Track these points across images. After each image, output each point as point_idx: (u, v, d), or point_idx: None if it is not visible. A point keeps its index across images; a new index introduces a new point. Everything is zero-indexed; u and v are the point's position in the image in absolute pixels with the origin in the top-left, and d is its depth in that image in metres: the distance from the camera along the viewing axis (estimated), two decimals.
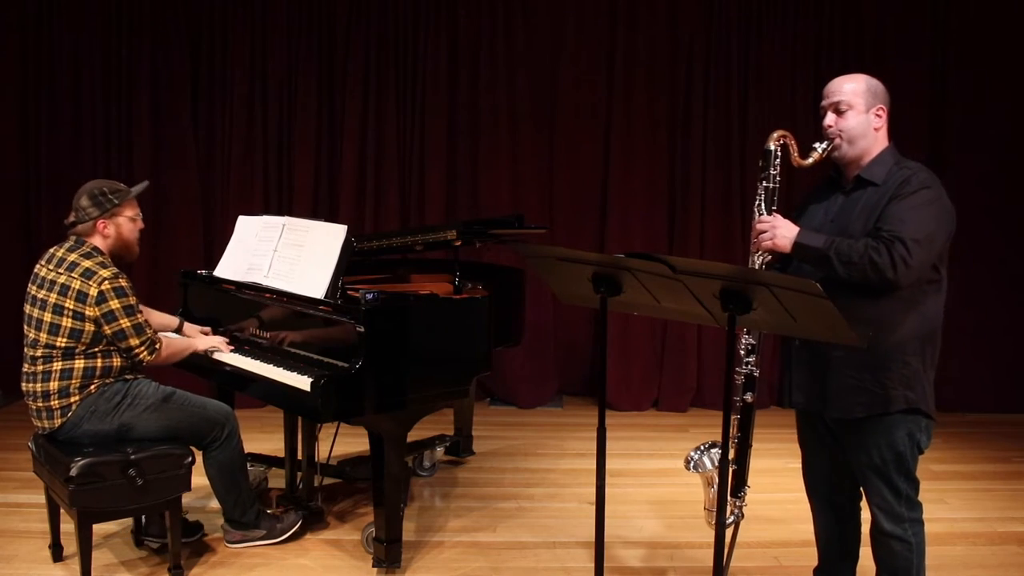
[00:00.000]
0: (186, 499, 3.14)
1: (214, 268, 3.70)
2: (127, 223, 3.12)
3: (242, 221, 3.71)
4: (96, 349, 2.98)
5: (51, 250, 3.09)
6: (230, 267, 3.62)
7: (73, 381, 2.96)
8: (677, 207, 5.63)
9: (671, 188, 5.63)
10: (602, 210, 5.66)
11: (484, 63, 5.54)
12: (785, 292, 1.98)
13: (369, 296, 2.96)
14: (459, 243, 3.87)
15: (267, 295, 3.38)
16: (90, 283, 2.92)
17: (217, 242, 5.36)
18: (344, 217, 5.40)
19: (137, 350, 3.01)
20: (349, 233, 3.17)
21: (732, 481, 2.59)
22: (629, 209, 5.59)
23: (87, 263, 2.96)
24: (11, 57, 5.49)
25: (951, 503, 3.99)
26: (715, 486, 2.59)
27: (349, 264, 3.22)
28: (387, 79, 5.51)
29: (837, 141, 2.43)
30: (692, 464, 2.60)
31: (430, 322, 3.16)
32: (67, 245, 3.06)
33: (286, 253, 3.36)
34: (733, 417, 2.57)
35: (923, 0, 5.51)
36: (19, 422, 4.95)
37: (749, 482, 2.64)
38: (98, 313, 2.93)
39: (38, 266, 3.08)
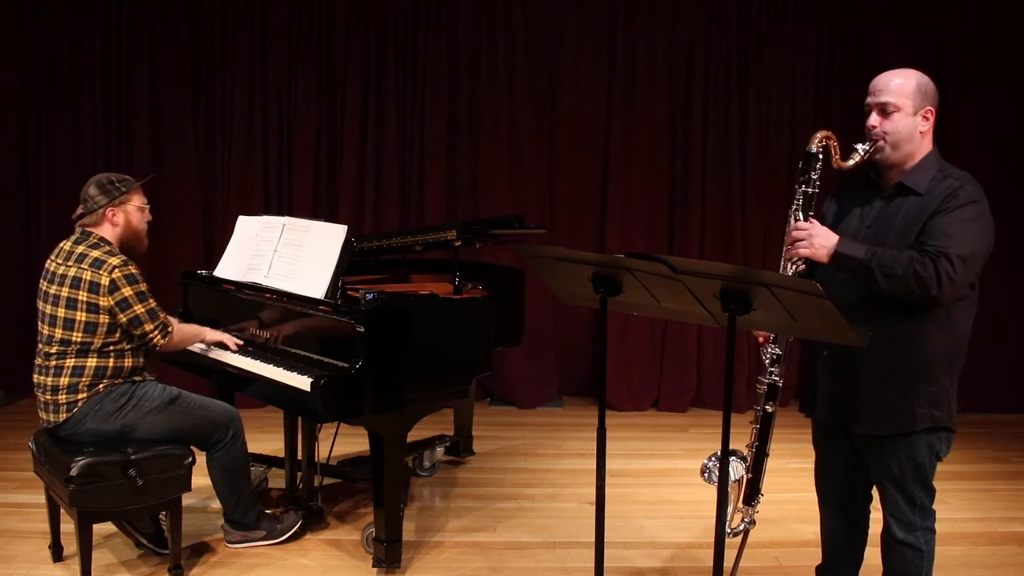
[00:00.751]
0: (186, 499, 3.14)
1: (214, 268, 3.70)
2: (136, 212, 3.13)
3: (242, 221, 3.71)
4: (110, 348, 3.00)
5: (60, 244, 3.10)
6: (230, 267, 3.62)
7: (83, 379, 2.97)
8: (677, 207, 5.62)
9: (671, 188, 5.62)
10: (602, 210, 5.66)
11: (484, 63, 5.53)
12: (785, 292, 1.98)
13: (369, 296, 2.96)
14: (459, 243, 3.86)
15: (267, 295, 3.38)
16: (101, 272, 2.94)
17: (217, 242, 5.36)
18: (344, 217, 5.40)
19: (152, 335, 3.02)
20: (349, 233, 3.17)
21: (746, 489, 2.59)
22: (629, 209, 5.59)
23: (95, 253, 2.98)
24: (11, 57, 5.49)
25: (951, 503, 3.99)
26: (731, 498, 2.52)
27: (349, 264, 3.22)
28: (387, 79, 5.51)
29: (880, 144, 2.31)
30: (707, 474, 2.52)
31: (430, 322, 3.16)
32: (74, 237, 3.07)
33: (286, 253, 3.36)
34: (753, 426, 2.56)
35: (923, 0, 5.52)
36: (19, 422, 4.96)
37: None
38: (112, 302, 2.94)
39: (48, 261, 3.09)
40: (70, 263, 2.99)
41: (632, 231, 5.58)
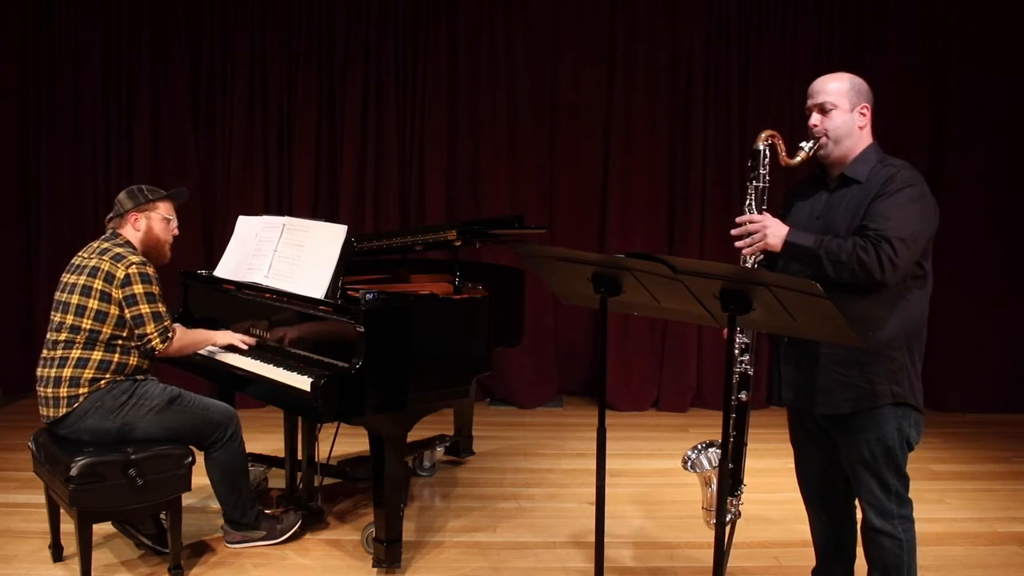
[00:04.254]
0: (186, 499, 3.15)
1: (214, 268, 3.70)
2: (159, 221, 3.24)
3: (242, 221, 3.71)
4: (117, 342, 3.04)
5: (90, 243, 3.20)
6: (230, 267, 3.62)
7: (86, 372, 2.99)
8: (677, 207, 5.62)
9: (671, 188, 5.63)
10: (602, 210, 5.66)
11: (484, 63, 5.54)
12: (785, 292, 1.98)
13: (369, 296, 2.96)
14: (459, 243, 3.87)
15: (267, 295, 3.38)
16: (119, 265, 3.03)
17: (217, 242, 5.36)
18: (344, 217, 5.40)
19: (151, 336, 3.05)
20: (349, 233, 3.18)
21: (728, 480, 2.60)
22: (629, 209, 5.59)
23: (118, 249, 3.09)
24: (11, 57, 5.49)
25: (951, 503, 3.99)
26: (712, 485, 2.60)
27: (349, 264, 3.22)
28: (387, 79, 5.51)
29: (823, 140, 2.45)
30: (689, 464, 2.61)
31: (430, 322, 3.16)
32: (104, 236, 3.19)
33: (286, 253, 3.36)
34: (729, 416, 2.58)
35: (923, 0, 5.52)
36: (19, 422, 4.96)
37: (747, 481, 2.65)
38: (121, 296, 3.01)
39: (75, 258, 3.18)
40: (93, 255, 3.09)
41: (632, 231, 5.58)
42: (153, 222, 3.23)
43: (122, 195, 3.22)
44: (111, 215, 3.22)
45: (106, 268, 3.03)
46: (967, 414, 5.52)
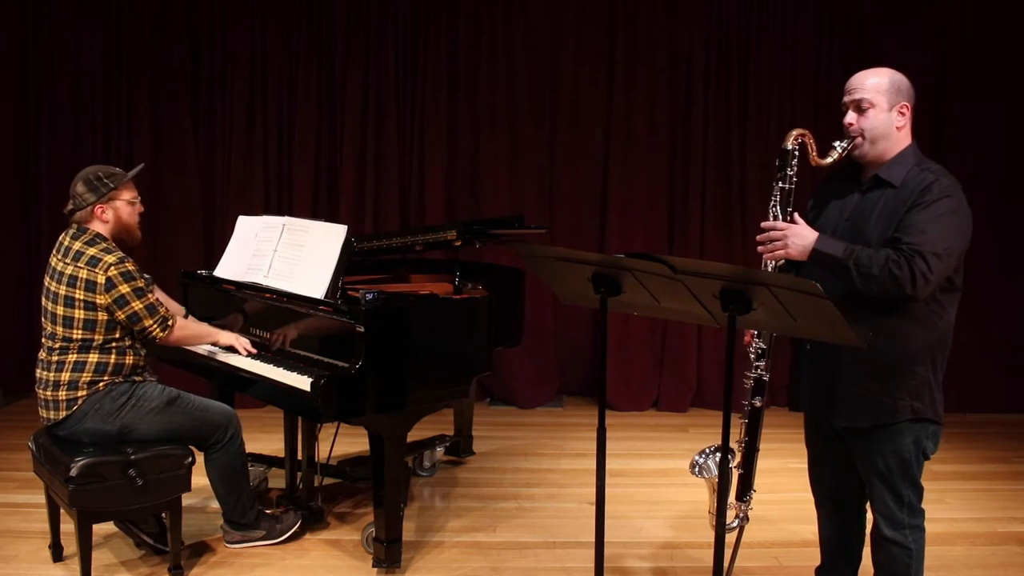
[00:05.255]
0: (186, 499, 3.14)
1: (214, 268, 3.70)
2: (125, 207, 3.13)
3: (242, 221, 3.71)
4: (112, 344, 3.01)
5: (60, 238, 3.10)
6: (230, 267, 3.62)
7: (84, 375, 2.98)
8: (677, 207, 5.62)
9: (671, 188, 5.62)
10: (602, 210, 5.66)
11: (484, 63, 5.53)
12: (785, 292, 1.98)
13: (369, 296, 2.96)
14: (459, 243, 3.86)
15: (267, 295, 3.38)
16: (96, 271, 2.94)
17: (217, 242, 5.36)
18: (344, 217, 5.40)
19: (150, 329, 3.03)
20: (349, 233, 3.17)
21: (738, 485, 2.59)
22: (629, 209, 5.59)
23: (92, 251, 2.98)
24: (11, 58, 5.49)
25: (951, 503, 3.99)
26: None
27: (349, 264, 3.22)
28: (387, 79, 5.51)
29: (858, 140, 2.35)
30: (697, 468, 2.57)
31: (430, 322, 3.16)
32: (71, 232, 3.07)
33: (286, 253, 3.36)
34: (741, 421, 2.57)
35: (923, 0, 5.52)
36: (19, 422, 4.96)
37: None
38: (109, 300, 2.95)
39: (51, 257, 3.09)
40: (67, 260, 3.00)
41: (632, 231, 5.58)
42: (120, 210, 3.09)
43: (80, 187, 3.06)
44: (72, 208, 3.06)
45: (84, 276, 2.94)
46: (967, 414, 5.52)
